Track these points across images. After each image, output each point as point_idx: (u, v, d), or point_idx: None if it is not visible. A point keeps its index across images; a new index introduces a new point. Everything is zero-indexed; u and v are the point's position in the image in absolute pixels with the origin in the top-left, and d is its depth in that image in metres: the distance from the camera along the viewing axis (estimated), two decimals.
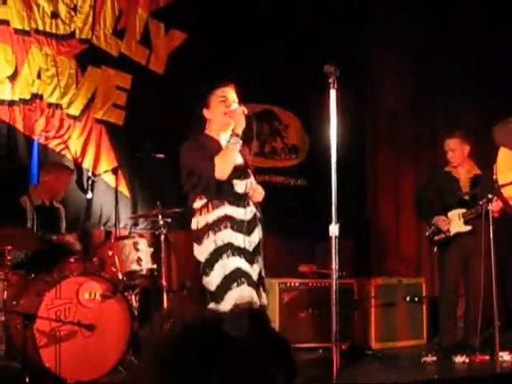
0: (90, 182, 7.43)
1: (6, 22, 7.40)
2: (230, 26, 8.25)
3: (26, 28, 7.51)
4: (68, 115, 7.66)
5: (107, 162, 7.84)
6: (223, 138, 5.20)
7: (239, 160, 5.21)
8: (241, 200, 5.13)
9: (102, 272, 6.21)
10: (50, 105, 7.62)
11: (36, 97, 7.55)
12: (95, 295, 5.96)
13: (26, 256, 6.64)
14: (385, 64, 9.10)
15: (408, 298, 7.68)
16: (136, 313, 6.38)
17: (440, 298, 7.22)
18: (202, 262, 5.09)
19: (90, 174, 7.55)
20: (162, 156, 7.10)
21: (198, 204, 5.12)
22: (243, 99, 8.42)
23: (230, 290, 4.91)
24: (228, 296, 4.91)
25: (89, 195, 7.48)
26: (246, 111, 5.15)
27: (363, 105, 9.02)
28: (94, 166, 7.80)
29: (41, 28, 7.58)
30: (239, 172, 5.15)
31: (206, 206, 5.08)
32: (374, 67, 9.13)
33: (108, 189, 7.66)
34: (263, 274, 5.26)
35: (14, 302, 6.04)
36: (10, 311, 5.92)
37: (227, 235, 5.02)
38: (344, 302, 7.43)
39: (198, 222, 5.12)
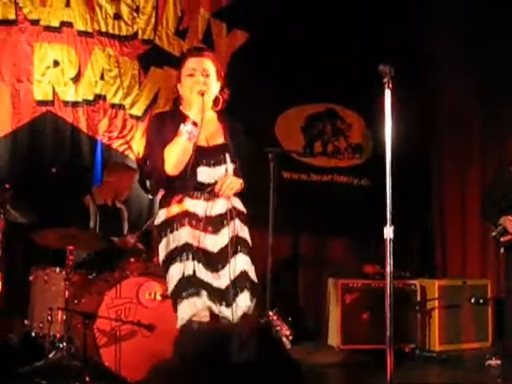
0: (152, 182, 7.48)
1: (69, 24, 7.50)
2: (291, 25, 8.21)
3: (89, 30, 7.60)
4: (131, 115, 7.72)
5: None
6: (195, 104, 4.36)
7: (214, 142, 4.49)
8: (207, 192, 4.38)
9: (162, 272, 6.22)
10: (113, 105, 7.69)
11: (99, 98, 7.63)
12: (155, 295, 5.98)
13: (87, 256, 6.71)
14: (449, 60, 8.92)
15: (473, 300, 7.53)
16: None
17: (506, 300, 7.07)
18: (161, 261, 4.43)
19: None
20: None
21: (159, 196, 4.56)
22: (305, 99, 8.51)
23: (181, 301, 4.20)
24: (179, 308, 4.21)
25: (151, 195, 7.52)
26: (209, 91, 4.42)
27: (427, 101, 8.88)
28: None
29: (104, 29, 7.67)
30: (208, 157, 4.38)
31: (164, 198, 4.45)
32: (439, 63, 8.97)
33: None
34: (246, 275, 4.40)
35: (76, 301, 6.10)
36: (71, 310, 5.98)
37: (185, 234, 4.30)
38: (407, 303, 7.36)
39: (159, 216, 4.45)
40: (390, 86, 4.58)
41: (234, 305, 4.27)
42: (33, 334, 6.31)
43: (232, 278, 4.33)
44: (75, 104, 7.51)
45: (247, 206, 6.81)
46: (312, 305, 8.29)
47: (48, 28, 7.42)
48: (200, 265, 4.28)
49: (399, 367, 6.54)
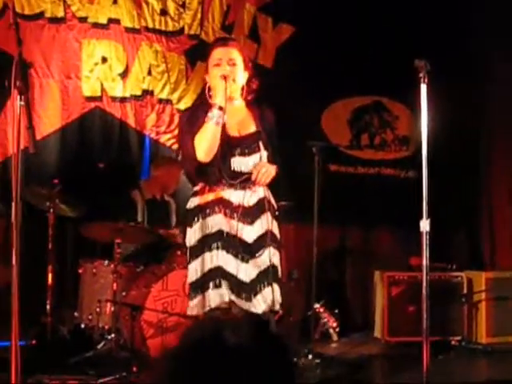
0: None
1: (117, 21, 7.60)
2: (337, 18, 8.20)
3: (136, 26, 7.68)
4: (178, 110, 7.78)
5: None
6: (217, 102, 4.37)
7: (246, 131, 4.50)
8: (242, 181, 4.40)
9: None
10: (160, 100, 7.77)
11: (147, 93, 7.72)
12: None
13: (135, 249, 6.82)
14: (500, 46, 8.78)
15: None
16: (216, 317, 6.43)
17: None
18: (187, 248, 4.48)
19: None
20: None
21: (196, 188, 4.53)
22: (351, 92, 8.51)
23: (199, 293, 4.32)
24: (198, 297, 4.32)
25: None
26: (232, 77, 4.41)
27: (477, 89, 8.80)
28: None
29: (150, 26, 7.74)
30: (241, 146, 4.42)
31: (202, 187, 4.46)
32: (489, 52, 8.86)
33: None
34: (274, 269, 4.47)
35: (124, 294, 6.21)
36: (119, 302, 6.09)
37: (218, 221, 4.35)
38: (454, 295, 7.34)
39: (191, 202, 4.49)
40: (426, 80, 4.58)
41: (256, 299, 4.33)
42: (82, 326, 6.44)
43: (260, 270, 4.38)
44: (123, 99, 7.61)
45: (293, 199, 6.89)
46: (359, 297, 8.30)
47: (96, 25, 7.52)
48: (229, 255, 4.34)
49: (445, 359, 6.59)
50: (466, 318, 7.37)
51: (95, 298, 6.34)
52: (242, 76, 4.56)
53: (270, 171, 4.44)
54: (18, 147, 2.89)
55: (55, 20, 7.37)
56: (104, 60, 7.56)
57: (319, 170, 6.58)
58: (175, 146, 7.72)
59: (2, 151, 7.04)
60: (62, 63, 7.39)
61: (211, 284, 4.30)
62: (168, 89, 7.79)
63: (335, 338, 7.35)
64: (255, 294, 4.34)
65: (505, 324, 7.42)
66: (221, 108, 4.32)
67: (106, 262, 6.43)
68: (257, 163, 4.43)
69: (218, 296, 4.30)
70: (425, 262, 4.36)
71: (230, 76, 4.40)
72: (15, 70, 2.89)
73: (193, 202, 4.50)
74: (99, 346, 6.14)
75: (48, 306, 6.10)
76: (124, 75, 7.62)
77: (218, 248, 4.34)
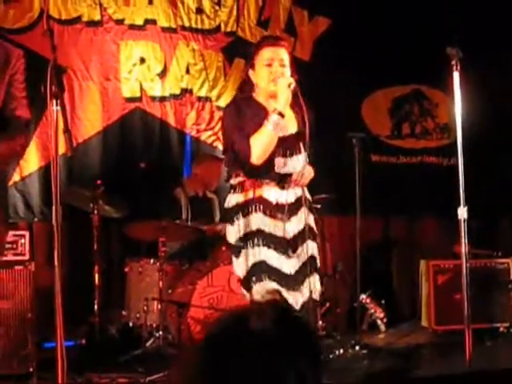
0: None
1: (153, 22, 7.65)
2: (372, 8, 8.18)
3: (173, 25, 7.73)
4: (218, 107, 7.81)
5: None
6: (272, 105, 4.46)
7: (289, 131, 4.52)
8: (282, 181, 4.48)
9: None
10: (199, 98, 7.82)
11: (186, 91, 7.76)
12: None
13: (181, 247, 6.88)
14: None
15: None
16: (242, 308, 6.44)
17: None
18: (231, 246, 4.56)
19: None
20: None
21: (234, 181, 4.55)
22: (390, 81, 8.48)
23: (251, 287, 4.36)
24: (252, 290, 4.34)
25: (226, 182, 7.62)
26: (293, 84, 4.42)
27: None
28: None
29: (187, 24, 7.78)
30: (285, 147, 4.47)
31: (241, 183, 4.49)
32: None
33: None
34: (314, 261, 4.55)
35: (170, 291, 6.28)
36: (165, 300, 6.15)
37: (258, 220, 4.41)
38: (500, 282, 7.28)
39: (229, 200, 4.56)
40: (458, 68, 4.55)
41: (300, 289, 4.43)
42: (130, 325, 6.53)
43: (302, 262, 4.47)
44: (162, 99, 7.66)
45: (335, 192, 6.90)
46: (405, 287, 8.28)
47: (132, 26, 7.59)
48: (271, 250, 4.40)
49: (493, 346, 6.55)
50: None
51: (142, 296, 6.40)
52: (290, 76, 4.56)
53: (309, 173, 4.57)
54: (57, 151, 2.94)
55: (92, 23, 7.45)
56: (142, 61, 7.62)
57: (360, 160, 6.58)
58: (216, 143, 7.76)
59: (45, 155, 7.11)
60: (100, 66, 7.47)
61: (256, 277, 4.37)
62: (207, 86, 7.83)
63: (383, 328, 7.35)
64: (299, 285, 4.44)
65: None
66: (281, 115, 4.38)
67: (152, 260, 6.50)
68: (298, 164, 4.50)
69: (263, 289, 4.34)
70: (463, 249, 4.35)
71: (292, 83, 4.43)
72: (50, 74, 2.94)
73: (231, 201, 4.56)
74: (147, 344, 6.20)
75: (96, 306, 6.19)
76: (162, 75, 7.67)
77: (259, 245, 4.41)
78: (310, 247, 4.55)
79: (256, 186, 4.47)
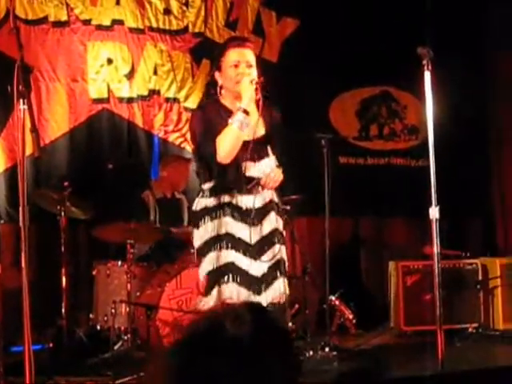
0: None
1: (120, 22, 7.60)
2: (341, 10, 8.19)
3: (140, 26, 7.68)
4: (186, 108, 7.77)
5: None
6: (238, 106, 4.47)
7: (256, 134, 4.50)
8: (251, 185, 4.49)
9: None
10: (167, 99, 7.77)
11: (153, 92, 7.72)
12: None
13: (149, 248, 6.83)
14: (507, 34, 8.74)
15: None
16: (217, 310, 6.40)
17: None
18: (196, 249, 4.62)
19: None
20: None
21: (205, 186, 4.57)
22: (359, 83, 8.49)
23: (218, 286, 4.41)
24: (214, 292, 4.42)
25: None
26: (255, 81, 4.45)
27: (485, 77, 8.77)
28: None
29: (154, 25, 7.74)
30: (253, 151, 4.46)
31: (212, 188, 4.52)
32: (497, 40, 8.81)
33: None
34: (283, 264, 4.63)
35: (138, 294, 6.23)
36: (133, 303, 6.11)
37: (227, 224, 4.46)
38: (469, 283, 7.31)
39: (198, 204, 4.60)
40: (430, 67, 4.57)
41: (266, 291, 4.49)
42: (98, 328, 6.47)
43: (270, 266, 4.52)
44: (130, 100, 7.61)
45: (304, 193, 6.89)
46: (375, 288, 8.29)
47: (100, 27, 7.53)
48: (239, 254, 4.45)
49: (462, 347, 6.57)
50: (481, 304, 7.34)
51: (110, 299, 6.35)
52: (257, 78, 4.58)
53: (278, 176, 4.58)
54: (24, 151, 2.89)
55: (59, 24, 7.38)
56: (109, 61, 7.57)
57: (328, 162, 6.57)
58: (184, 145, 7.72)
59: (11, 156, 7.04)
60: (67, 66, 7.40)
61: (224, 279, 4.42)
62: (174, 87, 7.79)
63: (352, 330, 7.35)
64: (266, 287, 4.51)
65: None
66: (246, 112, 4.40)
67: (120, 262, 6.45)
68: (266, 167, 4.53)
69: (229, 290, 4.40)
70: (436, 249, 4.35)
71: (255, 79, 4.48)
72: (17, 74, 2.90)
73: (199, 204, 4.60)
74: (116, 347, 6.16)
75: (63, 309, 6.12)
76: (130, 76, 7.63)
77: (228, 248, 4.45)
78: (279, 251, 4.59)
79: (227, 191, 4.50)
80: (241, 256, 4.46)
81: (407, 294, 7.32)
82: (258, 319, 1.60)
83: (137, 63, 7.65)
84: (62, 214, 6.18)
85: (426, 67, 4.60)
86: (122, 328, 6.27)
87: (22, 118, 2.88)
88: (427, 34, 7.47)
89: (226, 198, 4.50)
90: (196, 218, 4.63)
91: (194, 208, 4.66)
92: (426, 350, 5.97)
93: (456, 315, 6.95)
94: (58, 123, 7.32)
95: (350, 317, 7.35)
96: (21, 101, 2.91)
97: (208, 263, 4.49)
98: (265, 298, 4.47)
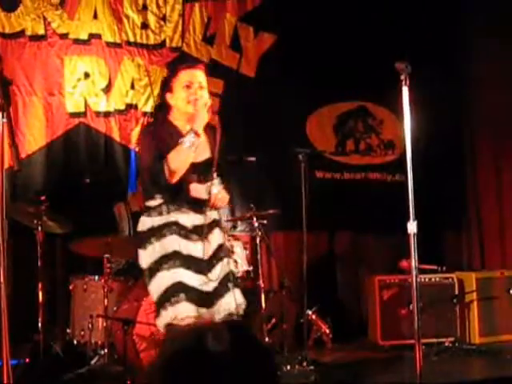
0: None
1: (98, 36, 7.60)
2: (318, 25, 8.23)
3: (118, 40, 7.69)
4: None
5: None
6: (188, 127, 4.60)
7: (202, 157, 4.70)
8: (198, 206, 4.65)
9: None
10: (144, 114, 7.75)
11: (131, 107, 7.72)
12: None
13: (126, 263, 6.81)
14: (487, 51, 8.78)
15: (511, 291, 7.49)
16: (198, 325, 6.38)
17: None
18: (144, 269, 4.67)
19: None
20: (253, 159, 7.07)
21: (150, 203, 4.67)
22: (336, 97, 8.52)
23: (165, 309, 4.48)
24: (163, 313, 4.50)
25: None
26: (208, 105, 4.58)
27: (463, 88, 8.83)
28: None
29: (132, 39, 7.75)
30: (199, 173, 4.66)
31: (158, 207, 4.62)
32: (475, 55, 8.86)
33: None
34: (233, 276, 4.75)
35: (115, 308, 6.21)
36: (110, 317, 6.08)
37: (174, 242, 4.56)
38: (445, 297, 7.35)
39: (143, 223, 4.69)
40: (407, 82, 4.60)
41: (218, 304, 4.60)
42: (75, 342, 6.43)
43: (220, 281, 4.65)
44: (107, 114, 7.60)
45: (280, 207, 6.90)
46: (351, 302, 8.31)
47: (77, 41, 7.53)
48: (188, 271, 4.54)
49: (439, 361, 6.59)
50: (458, 318, 7.38)
51: (87, 313, 6.33)
52: (208, 99, 4.69)
53: (224, 197, 4.74)
54: (2, 165, 2.87)
55: (36, 38, 7.37)
56: (86, 75, 7.56)
57: (306, 176, 6.59)
58: None
59: None
60: (44, 80, 7.38)
61: (174, 299, 4.47)
62: (152, 102, 7.77)
63: (329, 344, 7.35)
64: (217, 300, 4.60)
65: (496, 323, 7.44)
66: (197, 134, 4.52)
67: (96, 277, 6.43)
68: (212, 189, 4.65)
69: (181, 309, 4.45)
70: (414, 263, 4.36)
71: (208, 103, 4.60)
72: None
73: (145, 223, 4.68)
74: (93, 362, 6.13)
75: (40, 324, 6.08)
76: (107, 90, 7.62)
77: (176, 266, 4.52)
78: (226, 263, 4.73)
79: (173, 211, 4.60)
80: (191, 273, 4.53)
81: (384, 308, 7.35)
82: (236, 336, 1.60)
83: (114, 77, 7.65)
84: (39, 228, 6.16)
85: (404, 82, 4.60)
86: (99, 342, 6.25)
87: (1, 132, 2.86)
88: (404, 48, 7.49)
89: (172, 217, 4.60)
90: (143, 239, 4.68)
91: (139, 228, 4.74)
92: (403, 364, 6.00)
93: (432, 329, 6.98)
94: (34, 137, 7.29)
95: (327, 331, 7.37)
96: (0, 114, 2.88)
97: (158, 283, 4.55)
98: (217, 310, 4.57)
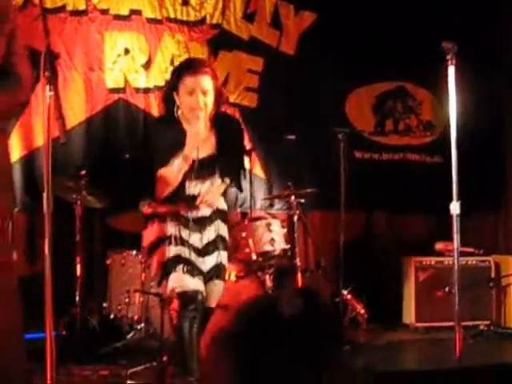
0: None
1: (138, 12, 7.60)
2: (359, 3, 8.17)
3: (158, 17, 7.68)
4: None
5: None
6: (193, 126, 4.78)
7: (204, 153, 4.86)
8: (193, 201, 4.88)
9: (235, 253, 6.29)
10: None
11: None
12: (229, 276, 6.06)
13: None
14: None
15: None
16: (270, 293, 6.42)
17: None
18: (145, 246, 5.07)
19: None
20: (293, 138, 7.06)
21: (145, 209, 5.10)
22: (375, 77, 8.46)
23: (167, 277, 4.80)
24: (164, 283, 4.84)
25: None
26: (201, 129, 4.74)
27: (503, 76, 8.73)
28: None
29: (172, 16, 7.74)
30: (198, 169, 4.82)
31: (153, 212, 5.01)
32: None
33: None
34: (222, 270, 5.02)
35: (152, 284, 6.23)
36: (147, 292, 6.11)
37: (171, 228, 4.86)
38: (481, 280, 7.30)
39: (147, 207, 5.06)
40: (454, 62, 4.55)
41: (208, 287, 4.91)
42: (111, 317, 6.47)
43: (212, 266, 4.91)
44: (147, 90, 7.60)
45: (318, 186, 6.88)
46: (387, 283, 8.25)
47: (117, 16, 7.53)
48: (185, 248, 4.82)
49: (475, 344, 6.57)
50: (494, 302, 7.33)
51: (124, 288, 6.38)
52: (211, 102, 4.84)
53: (213, 198, 4.92)
54: (49, 137, 2.89)
55: (77, 13, 7.38)
56: (126, 51, 7.57)
57: (345, 156, 6.57)
58: None
59: (26, 145, 7.07)
60: (84, 55, 7.40)
61: (175, 268, 4.78)
62: None
63: (364, 324, 7.33)
64: (208, 282, 4.90)
65: None
66: (186, 160, 4.75)
67: (134, 252, 6.45)
68: (211, 186, 4.91)
69: (179, 279, 4.77)
70: (456, 244, 4.34)
71: (205, 112, 4.78)
72: (44, 59, 2.89)
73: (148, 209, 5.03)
74: (129, 336, 6.17)
75: (77, 297, 6.14)
76: (147, 66, 7.62)
77: (175, 245, 4.83)
78: (222, 256, 4.97)
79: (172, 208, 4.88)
80: (186, 250, 4.80)
81: (419, 290, 7.33)
82: (308, 301, 1.61)
83: (154, 54, 7.65)
84: (78, 202, 6.20)
85: (450, 62, 4.55)
86: (136, 317, 6.29)
87: (48, 105, 2.87)
88: (446, 29, 7.43)
89: (168, 209, 4.90)
90: (146, 219, 5.06)
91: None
92: (438, 346, 5.98)
93: (468, 312, 6.94)
94: (74, 112, 7.32)
95: (362, 311, 7.34)
96: (47, 87, 2.89)
97: (158, 257, 4.85)
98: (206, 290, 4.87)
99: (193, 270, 4.78)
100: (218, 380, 1.59)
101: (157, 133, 4.94)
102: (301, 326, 1.58)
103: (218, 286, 4.95)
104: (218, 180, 4.94)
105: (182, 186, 4.84)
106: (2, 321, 3.38)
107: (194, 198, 4.86)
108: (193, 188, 4.87)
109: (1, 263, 3.42)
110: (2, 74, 3.38)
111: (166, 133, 4.84)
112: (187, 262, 4.79)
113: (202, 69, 4.85)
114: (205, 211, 4.92)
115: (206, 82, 4.79)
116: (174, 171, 4.77)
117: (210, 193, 4.87)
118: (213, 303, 4.94)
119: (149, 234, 4.98)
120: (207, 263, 4.88)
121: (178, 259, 4.78)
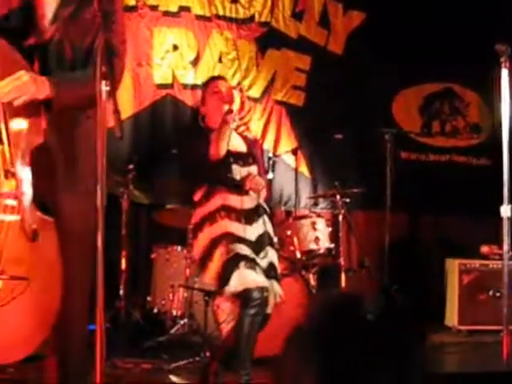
0: (270, 163, 7.50)
1: (187, 9, 7.65)
2: (408, 4, 8.13)
3: (207, 14, 7.72)
4: (249, 97, 7.81)
5: (287, 143, 7.94)
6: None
7: (241, 147, 5.12)
8: (238, 187, 4.94)
9: (280, 251, 6.28)
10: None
11: None
12: None
13: None
14: None
15: None
16: (314, 291, 6.42)
17: None
18: (199, 259, 4.99)
19: (270, 154, 7.45)
20: (340, 137, 7.04)
21: (197, 196, 5.09)
22: (422, 78, 8.41)
23: (234, 272, 4.72)
24: (232, 280, 4.73)
25: (269, 175, 7.57)
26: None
27: None
28: (275, 147, 7.92)
29: (221, 13, 7.78)
30: (239, 158, 5.00)
31: (203, 195, 5.01)
32: None
33: (288, 169, 7.71)
34: (272, 266, 4.99)
35: (196, 279, 6.25)
36: (191, 288, 6.14)
37: (225, 225, 4.85)
38: None
39: (195, 216, 5.06)
40: (508, 65, 4.51)
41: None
42: (155, 311, 6.51)
43: (264, 268, 4.88)
44: (194, 87, 7.63)
45: (364, 186, 6.86)
46: (431, 285, 8.22)
47: (167, 13, 7.59)
48: (243, 245, 4.81)
49: None
50: None
51: (168, 283, 6.40)
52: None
53: (258, 181, 4.98)
54: (104, 132, 2.92)
55: (127, 8, 7.40)
56: (175, 48, 7.62)
57: (391, 156, 6.54)
58: (246, 133, 7.71)
59: None
60: (133, 51, 7.44)
61: (238, 266, 4.74)
62: (238, 76, 7.81)
63: None
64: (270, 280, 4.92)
65: None
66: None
67: (179, 247, 6.48)
68: (248, 174, 5.00)
69: (244, 276, 4.73)
70: (506, 247, 4.30)
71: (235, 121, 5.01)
72: (100, 54, 2.92)
73: (197, 215, 5.02)
74: (172, 331, 6.20)
75: (121, 291, 6.19)
76: (195, 63, 7.66)
77: (232, 242, 4.79)
78: (273, 254, 5.01)
79: (217, 194, 4.93)
80: (243, 246, 4.78)
81: (463, 293, 7.28)
82: (390, 303, 1.61)
83: (202, 50, 7.69)
84: (125, 196, 6.25)
85: (503, 64, 4.51)
86: (179, 312, 6.31)
87: (104, 100, 2.90)
88: (497, 32, 7.35)
89: (221, 202, 4.93)
90: (195, 229, 5.05)
91: (191, 225, 5.20)
92: (481, 350, 5.93)
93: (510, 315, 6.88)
94: (122, 107, 7.25)
95: None
96: (103, 82, 2.92)
97: (217, 260, 4.80)
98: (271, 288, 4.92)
99: (254, 265, 4.79)
100: (296, 380, 1.59)
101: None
102: (385, 325, 1.58)
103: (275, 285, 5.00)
104: (254, 169, 5.07)
105: (226, 168, 4.93)
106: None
107: (236, 180, 4.96)
108: (235, 171, 4.98)
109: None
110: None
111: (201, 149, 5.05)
112: (246, 258, 4.77)
113: (222, 77, 5.37)
114: (253, 202, 4.97)
115: (230, 88, 5.11)
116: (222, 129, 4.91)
117: (255, 177, 4.98)
118: (269, 309, 4.98)
119: (201, 242, 4.95)
120: (263, 261, 4.89)
121: (237, 257, 4.76)
